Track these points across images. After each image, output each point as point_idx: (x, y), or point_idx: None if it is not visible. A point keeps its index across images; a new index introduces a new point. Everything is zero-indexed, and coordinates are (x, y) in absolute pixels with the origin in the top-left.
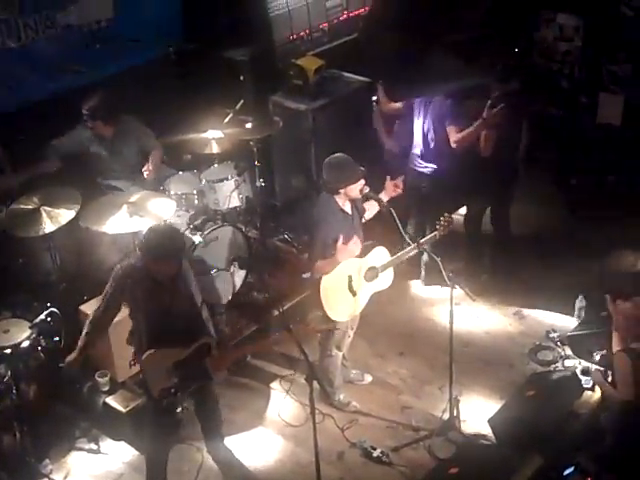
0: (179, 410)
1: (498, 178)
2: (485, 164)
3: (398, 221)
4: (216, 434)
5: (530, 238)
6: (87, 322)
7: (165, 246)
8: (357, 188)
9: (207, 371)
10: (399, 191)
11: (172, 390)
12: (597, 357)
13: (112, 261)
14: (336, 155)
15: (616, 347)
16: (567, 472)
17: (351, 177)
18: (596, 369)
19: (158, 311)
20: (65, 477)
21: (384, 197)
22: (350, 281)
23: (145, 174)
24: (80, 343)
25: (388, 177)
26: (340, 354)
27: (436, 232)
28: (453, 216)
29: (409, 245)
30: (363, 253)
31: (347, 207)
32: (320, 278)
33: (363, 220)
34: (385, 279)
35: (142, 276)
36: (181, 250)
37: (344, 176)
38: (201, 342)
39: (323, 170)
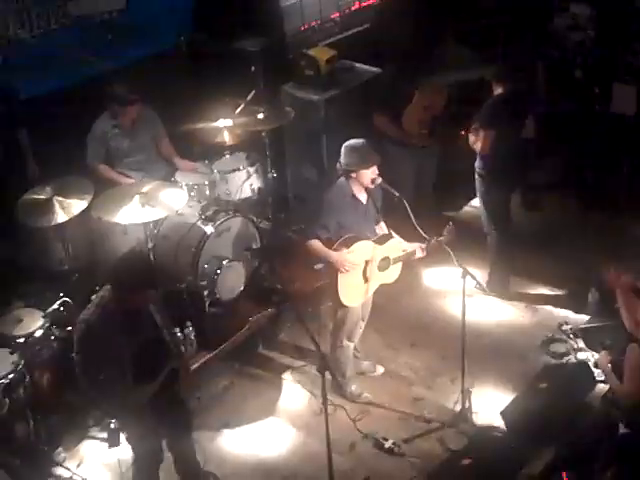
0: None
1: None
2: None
3: (412, 216)
4: (181, 427)
5: (543, 231)
6: None
7: (141, 275)
8: (369, 175)
9: (179, 396)
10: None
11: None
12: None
13: (124, 251)
14: (356, 139)
15: (627, 323)
16: None
17: (363, 162)
18: (604, 352)
19: (139, 343)
20: (78, 465)
21: (419, 253)
22: (366, 266)
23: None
24: None
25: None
26: (351, 345)
27: (442, 237)
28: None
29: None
30: (380, 242)
31: (362, 196)
32: (332, 269)
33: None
34: (393, 272)
35: (113, 316)
36: (154, 278)
37: (356, 160)
38: (169, 368)
39: (342, 153)
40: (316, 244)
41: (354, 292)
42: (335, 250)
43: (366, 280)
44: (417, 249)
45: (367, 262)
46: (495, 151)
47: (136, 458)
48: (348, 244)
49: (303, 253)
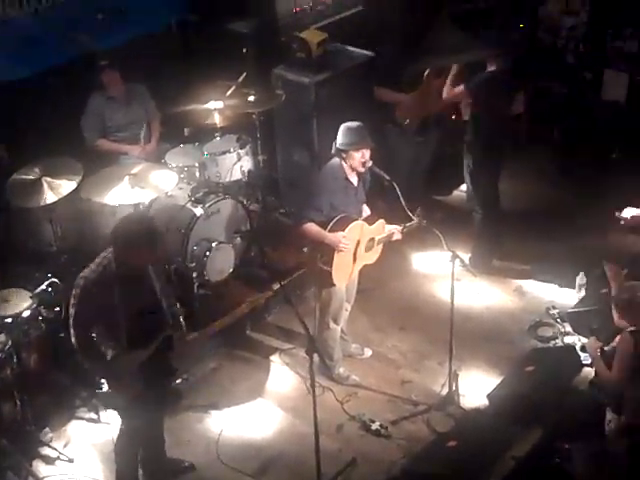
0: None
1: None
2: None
3: (402, 198)
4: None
5: (532, 214)
6: None
7: (139, 233)
8: (359, 158)
9: (171, 366)
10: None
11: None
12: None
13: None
14: (354, 121)
15: (617, 321)
16: None
17: (354, 143)
18: (593, 338)
19: (136, 309)
20: (65, 445)
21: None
22: (357, 246)
23: (148, 147)
24: None
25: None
26: (338, 328)
27: (413, 222)
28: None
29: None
30: (369, 223)
31: (353, 178)
32: (315, 251)
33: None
34: (375, 253)
35: (112, 278)
36: (155, 236)
37: (348, 141)
38: (164, 335)
39: (338, 133)
40: (312, 227)
41: (343, 272)
42: (331, 231)
43: (354, 260)
44: (395, 232)
45: (357, 242)
46: (484, 127)
47: (121, 430)
48: (343, 225)
49: (296, 236)
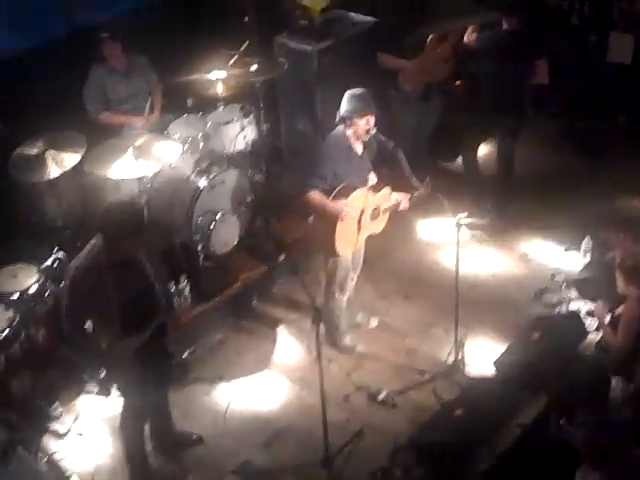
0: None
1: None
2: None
3: (407, 166)
4: (163, 383)
5: (537, 179)
6: None
7: (128, 222)
8: (363, 125)
9: (167, 350)
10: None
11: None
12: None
13: None
14: (358, 88)
15: (622, 287)
16: None
17: (358, 111)
18: (602, 304)
19: (129, 296)
20: (75, 420)
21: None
22: (360, 215)
23: (151, 117)
24: None
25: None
26: (344, 297)
27: (421, 190)
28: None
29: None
30: (374, 191)
31: (358, 147)
32: (327, 219)
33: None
34: (381, 222)
35: (103, 266)
36: (142, 225)
37: (352, 107)
38: (158, 321)
39: (343, 100)
40: (316, 195)
41: (347, 241)
42: (334, 200)
43: (359, 229)
44: (402, 200)
45: (362, 211)
46: (494, 86)
47: (124, 408)
48: (346, 193)
49: (300, 205)
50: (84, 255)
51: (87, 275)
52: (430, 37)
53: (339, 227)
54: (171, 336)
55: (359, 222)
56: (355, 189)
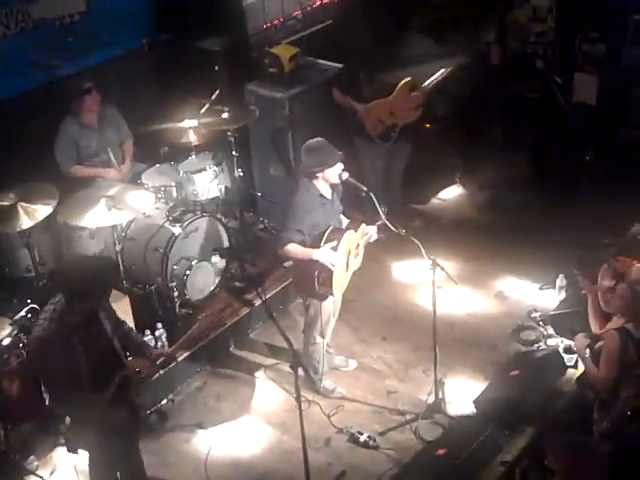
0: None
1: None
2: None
3: (379, 207)
4: (133, 435)
5: (510, 221)
6: None
7: (90, 280)
8: (335, 172)
9: (133, 402)
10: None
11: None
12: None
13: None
14: (314, 139)
15: (594, 326)
16: None
17: (329, 160)
18: (581, 335)
19: (94, 353)
20: (51, 473)
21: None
22: (348, 256)
23: (123, 168)
24: None
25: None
26: (324, 341)
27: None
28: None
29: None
30: (355, 230)
31: (326, 192)
32: (298, 267)
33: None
34: (359, 259)
35: (67, 329)
36: (109, 283)
37: (322, 160)
38: (121, 376)
39: (301, 155)
40: (294, 248)
41: (340, 283)
42: (325, 244)
43: (347, 269)
44: (373, 233)
45: (349, 252)
46: None
47: (90, 459)
48: (335, 238)
49: (279, 257)
50: (44, 322)
51: (50, 342)
52: (403, 82)
53: (334, 272)
54: (135, 387)
55: (347, 263)
56: (342, 232)
